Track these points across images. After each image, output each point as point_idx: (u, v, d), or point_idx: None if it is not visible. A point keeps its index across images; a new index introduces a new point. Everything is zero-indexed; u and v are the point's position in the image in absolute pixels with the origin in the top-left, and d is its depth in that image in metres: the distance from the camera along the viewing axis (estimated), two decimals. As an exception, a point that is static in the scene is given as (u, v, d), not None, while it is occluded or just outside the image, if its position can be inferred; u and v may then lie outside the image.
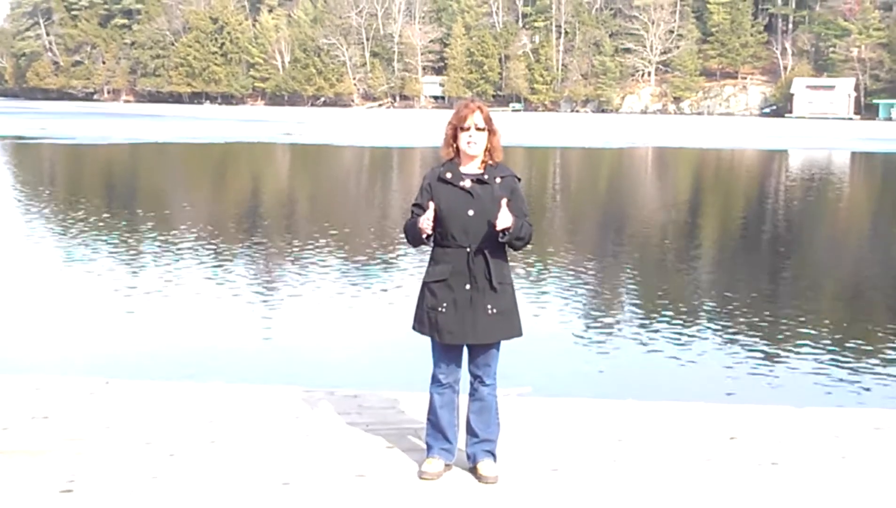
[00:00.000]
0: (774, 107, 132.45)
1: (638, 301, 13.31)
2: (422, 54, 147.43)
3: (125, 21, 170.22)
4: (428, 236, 5.10)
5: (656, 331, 11.25)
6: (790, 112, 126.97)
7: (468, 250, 5.06)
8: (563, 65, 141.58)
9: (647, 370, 9.69)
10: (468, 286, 5.07)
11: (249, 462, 5.41)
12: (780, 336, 11.09)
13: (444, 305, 5.11)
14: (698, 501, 4.99)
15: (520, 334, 5.25)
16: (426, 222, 5.04)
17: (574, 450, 5.71)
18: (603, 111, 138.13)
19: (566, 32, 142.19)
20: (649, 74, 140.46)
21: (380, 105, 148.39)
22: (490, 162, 5.18)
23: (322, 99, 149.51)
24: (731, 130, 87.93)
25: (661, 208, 27.29)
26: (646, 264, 16.93)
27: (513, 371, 9.26)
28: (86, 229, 18.89)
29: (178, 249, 16.57)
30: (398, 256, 16.11)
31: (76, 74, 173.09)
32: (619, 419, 6.34)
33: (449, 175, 5.16)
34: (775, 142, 66.63)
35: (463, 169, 5.17)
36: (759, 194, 32.34)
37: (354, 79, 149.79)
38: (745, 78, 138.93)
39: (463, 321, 5.09)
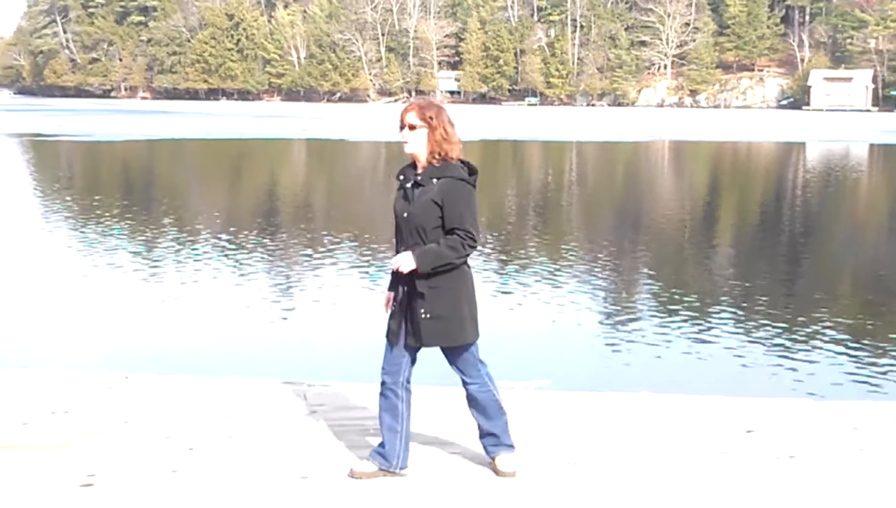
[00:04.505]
0: (791, 99, 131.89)
1: (655, 294, 13.28)
2: (437, 49, 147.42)
3: (141, 18, 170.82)
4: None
5: (673, 324, 11.23)
6: (807, 104, 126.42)
7: (402, 250, 4.96)
8: (578, 59, 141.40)
9: (664, 363, 9.67)
10: (405, 289, 4.98)
11: (268, 456, 5.43)
12: (797, 329, 11.05)
13: (393, 305, 5.07)
14: (715, 494, 4.98)
15: (458, 342, 5.02)
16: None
17: (591, 443, 5.71)
18: (619, 105, 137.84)
19: (582, 26, 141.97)
20: (665, 67, 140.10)
21: (395, 100, 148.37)
22: (435, 162, 4.94)
23: (338, 95, 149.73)
24: (748, 122, 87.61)
25: (678, 202, 27.22)
26: (662, 257, 16.90)
27: (531, 364, 9.30)
28: (104, 225, 18.98)
29: (196, 245, 16.64)
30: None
31: (93, 71, 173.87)
32: (636, 412, 6.33)
33: (401, 177, 5.06)
34: (793, 134, 66.35)
35: (418, 171, 5.00)
36: (777, 187, 32.21)
37: (370, 74, 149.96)
38: (762, 70, 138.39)
39: (401, 323, 5.01)
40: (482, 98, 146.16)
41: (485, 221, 21.18)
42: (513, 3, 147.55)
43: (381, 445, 5.16)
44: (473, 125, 75.64)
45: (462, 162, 5.00)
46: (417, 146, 4.95)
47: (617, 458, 5.48)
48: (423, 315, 4.91)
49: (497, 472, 5.16)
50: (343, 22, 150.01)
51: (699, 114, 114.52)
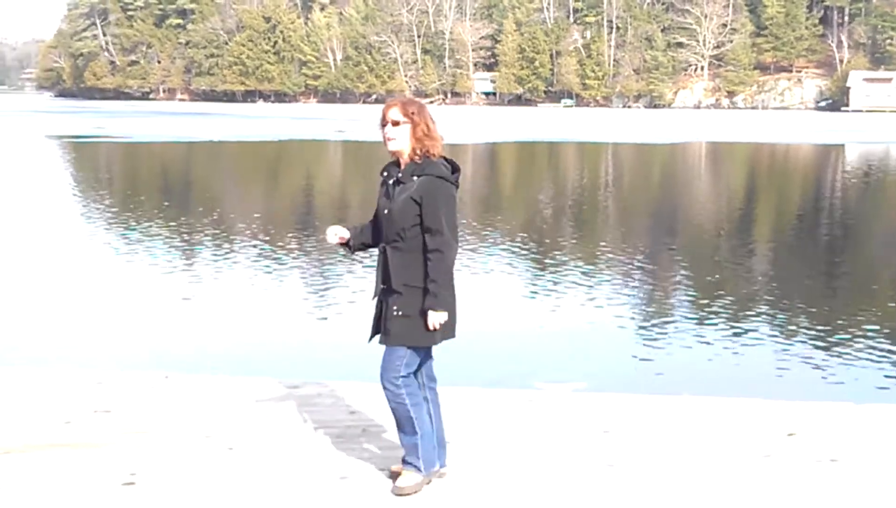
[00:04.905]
0: (830, 100, 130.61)
1: (691, 296, 13.20)
2: (473, 51, 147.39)
3: (180, 21, 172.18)
4: (343, 251, 5.18)
5: (712, 326, 11.16)
6: (846, 106, 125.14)
7: (382, 248, 4.94)
8: (614, 60, 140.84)
9: (703, 366, 9.61)
10: (383, 286, 4.94)
11: (308, 455, 5.45)
12: (838, 331, 10.94)
13: (376, 304, 5.04)
14: (757, 498, 4.94)
15: (423, 343, 4.90)
16: (329, 236, 5.14)
17: (630, 446, 5.69)
18: (655, 106, 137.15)
19: (618, 27, 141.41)
20: (702, 68, 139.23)
21: (431, 102, 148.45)
22: (417, 158, 4.89)
23: (374, 96, 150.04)
24: (787, 124, 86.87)
25: (714, 203, 27.05)
26: (700, 259, 16.79)
27: (567, 366, 9.27)
28: (145, 226, 19.15)
29: (236, 245, 16.74)
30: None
31: (132, 73, 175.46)
32: (676, 414, 6.30)
33: (385, 173, 5.04)
34: (831, 136, 65.68)
35: (401, 168, 4.96)
36: (815, 189, 31.92)
37: (406, 76, 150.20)
38: (801, 72, 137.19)
39: (378, 319, 5.00)
40: (518, 100, 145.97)
41: (519, 221, 21.15)
42: (549, 4, 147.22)
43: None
44: (509, 127, 75.56)
45: (445, 159, 4.95)
46: (400, 143, 4.90)
47: (656, 461, 5.45)
48: (394, 313, 4.86)
49: (394, 486, 4.98)
50: (379, 24, 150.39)
51: (736, 115, 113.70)
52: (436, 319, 4.79)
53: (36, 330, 10.64)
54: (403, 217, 4.81)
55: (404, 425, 4.96)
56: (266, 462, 5.35)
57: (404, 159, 4.93)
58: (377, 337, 5.00)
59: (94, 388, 6.77)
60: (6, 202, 23.13)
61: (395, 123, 4.88)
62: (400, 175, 4.91)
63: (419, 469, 4.96)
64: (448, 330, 4.92)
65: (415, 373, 5.02)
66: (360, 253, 5.03)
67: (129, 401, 6.46)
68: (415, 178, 4.85)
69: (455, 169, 4.95)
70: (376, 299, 5.02)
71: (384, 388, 4.95)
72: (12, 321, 11.01)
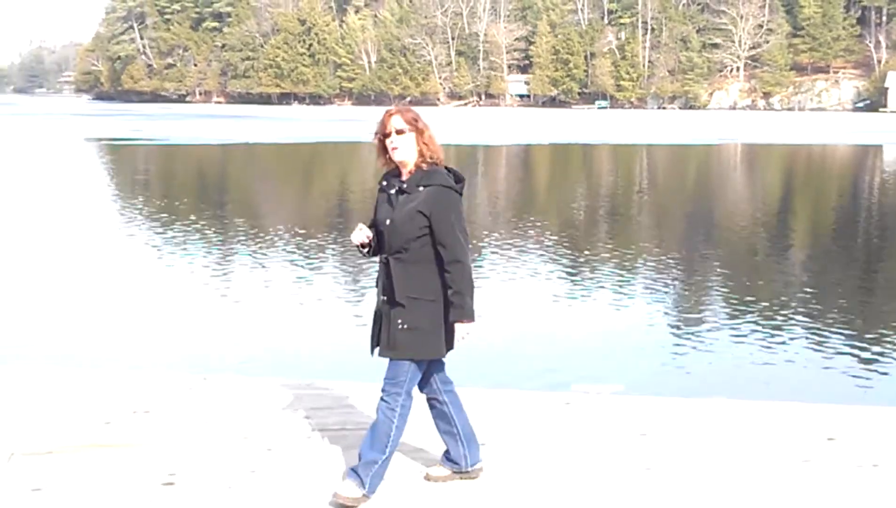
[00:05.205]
0: (868, 101, 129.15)
1: (728, 299, 13.11)
2: (507, 53, 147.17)
3: (216, 24, 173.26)
4: (365, 250, 4.94)
5: (749, 329, 11.08)
6: (885, 106, 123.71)
7: (385, 260, 4.82)
8: (649, 61, 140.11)
9: (739, 369, 9.55)
10: (385, 298, 4.83)
11: (346, 457, 5.47)
12: (878, 335, 10.83)
13: (374, 315, 4.97)
14: (797, 503, 4.90)
15: (430, 355, 4.85)
16: (356, 236, 4.91)
17: (667, 449, 5.66)
18: (690, 108, 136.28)
19: (653, 28, 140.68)
20: (738, 69, 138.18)
21: (465, 104, 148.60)
22: (424, 166, 4.80)
23: (408, 98, 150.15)
24: (824, 125, 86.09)
25: (750, 205, 26.85)
26: (735, 261, 16.68)
27: (604, 369, 9.25)
28: (182, 227, 19.29)
29: (272, 246, 16.83)
30: (483, 254, 16.13)
31: (169, 76, 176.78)
32: (714, 418, 6.26)
33: (384, 183, 4.93)
34: (869, 137, 65.00)
35: (402, 178, 4.86)
36: (853, 191, 31.61)
37: (440, 78, 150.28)
38: (838, 72, 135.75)
39: (379, 333, 4.89)
40: (552, 101, 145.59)
41: (554, 223, 21.10)
42: (583, 6, 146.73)
43: (447, 451, 5.15)
44: (543, 129, 75.43)
45: (447, 169, 4.87)
46: (406, 152, 4.80)
47: (694, 464, 5.42)
48: (399, 326, 4.76)
49: (334, 493, 4.86)
50: (413, 26, 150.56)
51: (772, 116, 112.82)
52: (465, 331, 4.75)
53: (76, 331, 10.75)
54: (408, 228, 4.71)
55: (377, 439, 4.83)
56: (305, 463, 5.37)
57: (408, 169, 4.83)
58: (377, 350, 4.93)
59: (134, 389, 6.83)
60: (47, 204, 23.38)
61: (400, 133, 4.79)
62: (404, 185, 4.80)
63: (363, 486, 4.81)
64: (451, 343, 4.87)
65: (426, 381, 5.00)
66: (375, 258, 4.94)
67: (167, 402, 6.51)
68: (420, 188, 4.74)
69: (459, 179, 4.86)
70: (375, 311, 4.94)
71: (381, 398, 4.86)
72: (53, 322, 11.13)
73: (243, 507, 4.81)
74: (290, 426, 6.01)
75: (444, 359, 5.01)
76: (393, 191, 4.85)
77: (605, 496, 4.97)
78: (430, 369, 5.00)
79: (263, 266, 15.01)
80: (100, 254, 16.24)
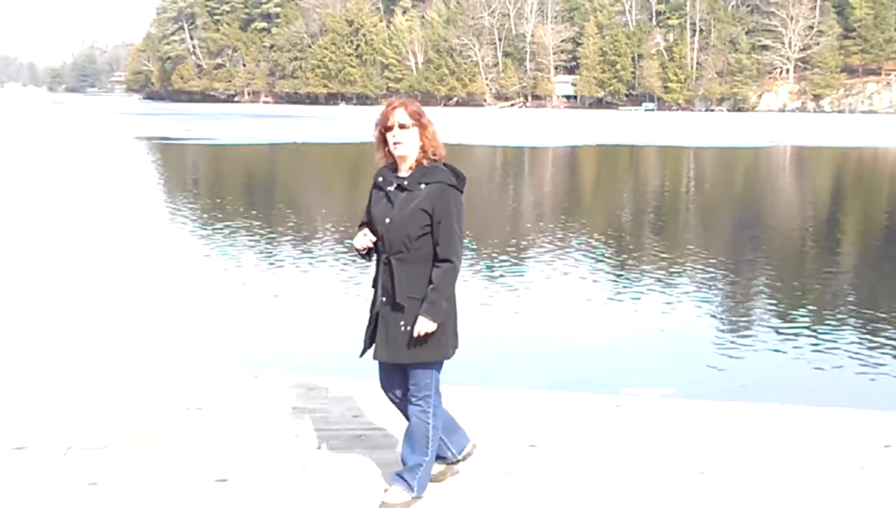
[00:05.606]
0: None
1: (778, 303, 12.97)
2: (554, 54, 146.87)
3: (264, 25, 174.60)
4: (363, 255, 4.80)
5: (798, 333, 10.95)
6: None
7: (386, 260, 4.69)
8: (697, 63, 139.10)
9: (789, 374, 9.44)
10: (384, 299, 4.71)
11: (396, 455, 5.48)
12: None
13: (370, 316, 4.83)
14: (852, 509, 4.85)
15: (437, 358, 4.72)
16: (359, 241, 4.74)
17: (720, 454, 5.61)
18: (739, 110, 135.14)
19: (701, 30, 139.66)
20: (788, 71, 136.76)
21: (512, 105, 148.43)
22: (425, 162, 4.67)
23: (454, 99, 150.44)
24: (875, 128, 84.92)
25: (800, 209, 26.55)
26: (785, 265, 16.50)
27: (653, 372, 9.19)
28: (232, 225, 19.44)
29: (323, 245, 16.91)
30: (532, 255, 16.10)
31: (218, 76, 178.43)
32: (768, 423, 6.20)
33: (381, 179, 4.78)
34: (923, 140, 64.03)
35: (400, 173, 4.72)
36: (907, 195, 31.14)
37: (487, 79, 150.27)
38: (889, 74, 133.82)
39: (378, 335, 4.75)
40: (598, 103, 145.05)
41: (601, 225, 21.01)
42: (631, 7, 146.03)
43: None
44: (590, 130, 75.14)
45: (446, 166, 4.73)
46: (408, 147, 4.66)
47: (748, 470, 5.37)
48: (401, 328, 4.64)
49: (381, 502, 4.82)
50: (460, 27, 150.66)
51: (822, 119, 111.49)
52: (425, 327, 4.57)
53: (129, 328, 10.87)
54: (410, 227, 4.59)
55: (417, 443, 4.80)
56: (356, 462, 5.39)
57: (409, 164, 4.70)
58: (371, 351, 4.82)
59: (187, 386, 6.90)
60: (98, 203, 23.67)
61: (403, 127, 4.64)
62: (405, 182, 4.67)
63: (412, 489, 4.80)
64: (454, 339, 4.77)
65: (396, 388, 4.89)
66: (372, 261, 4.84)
67: (219, 399, 6.57)
68: (422, 186, 4.62)
69: (459, 176, 4.71)
70: (373, 313, 4.82)
71: (411, 403, 4.79)
72: (107, 319, 11.27)
73: (295, 505, 4.84)
74: (341, 425, 6.04)
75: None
76: (391, 187, 4.71)
77: (659, 499, 4.94)
78: (403, 369, 4.87)
79: (313, 265, 15.09)
80: (150, 252, 16.39)
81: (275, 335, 10.63)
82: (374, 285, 4.83)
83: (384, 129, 4.68)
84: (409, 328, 4.62)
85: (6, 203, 22.87)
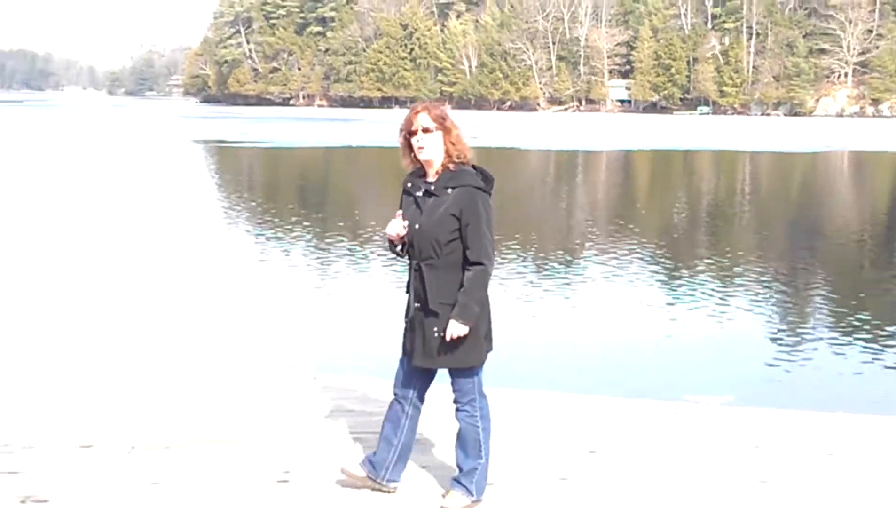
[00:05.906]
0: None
1: (836, 311, 12.79)
2: (608, 57, 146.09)
3: (320, 29, 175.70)
4: (398, 247, 4.76)
5: (856, 342, 10.79)
6: None
7: (416, 266, 4.67)
8: (753, 67, 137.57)
9: (847, 382, 9.31)
10: (417, 305, 4.67)
11: (453, 458, 5.49)
12: None
13: (406, 320, 4.80)
14: (919, 521, 4.77)
15: (470, 363, 4.69)
16: (392, 227, 4.70)
17: (782, 462, 5.55)
18: (795, 114, 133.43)
19: (758, 34, 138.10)
20: (846, 75, 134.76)
21: (565, 109, 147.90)
22: (451, 166, 4.61)
23: (508, 103, 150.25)
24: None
25: (858, 215, 26.17)
26: (843, 272, 16.28)
27: (711, 379, 9.11)
28: (289, 228, 19.59)
29: (375, 247, 16.96)
30: (588, 260, 16.03)
31: (274, 80, 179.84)
32: (830, 432, 6.12)
33: (409, 185, 4.74)
34: None
35: (428, 179, 4.67)
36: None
37: (540, 83, 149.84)
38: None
39: (413, 340, 4.73)
40: (653, 107, 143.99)
41: (657, 230, 20.87)
42: (686, 10, 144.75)
43: (374, 453, 5.01)
44: (644, 134, 74.66)
45: (474, 168, 4.67)
46: (433, 151, 4.61)
47: (810, 479, 5.30)
48: (435, 334, 4.62)
49: (441, 507, 4.82)
50: (514, 31, 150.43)
51: (882, 124, 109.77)
52: (456, 331, 4.55)
53: (191, 330, 11.00)
54: (439, 233, 4.57)
55: (470, 447, 4.80)
56: (417, 464, 5.39)
57: (435, 169, 4.65)
58: (414, 359, 4.78)
59: (246, 386, 6.96)
60: (157, 205, 23.98)
61: (427, 131, 4.59)
62: (432, 187, 4.63)
63: (470, 493, 4.80)
64: (487, 343, 4.74)
65: (411, 381, 4.88)
66: (404, 260, 4.82)
67: (279, 400, 6.63)
68: (449, 190, 4.58)
69: (487, 178, 4.66)
70: (408, 319, 4.79)
71: (458, 409, 4.80)
72: (170, 321, 11.41)
73: (355, 507, 4.86)
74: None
75: (433, 379, 4.89)
76: (419, 193, 4.67)
77: (719, 506, 4.89)
78: (427, 376, 4.89)
79: (371, 268, 15.16)
80: (210, 254, 16.57)
81: (333, 337, 10.70)
82: (408, 291, 4.82)
83: (408, 133, 4.66)
84: (442, 333, 4.60)
85: (72, 205, 23.25)
